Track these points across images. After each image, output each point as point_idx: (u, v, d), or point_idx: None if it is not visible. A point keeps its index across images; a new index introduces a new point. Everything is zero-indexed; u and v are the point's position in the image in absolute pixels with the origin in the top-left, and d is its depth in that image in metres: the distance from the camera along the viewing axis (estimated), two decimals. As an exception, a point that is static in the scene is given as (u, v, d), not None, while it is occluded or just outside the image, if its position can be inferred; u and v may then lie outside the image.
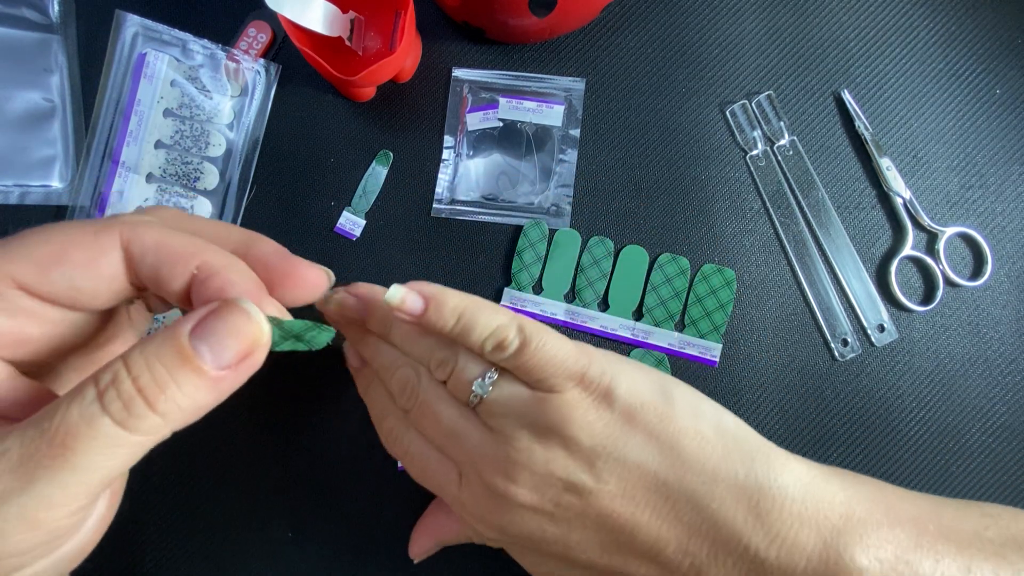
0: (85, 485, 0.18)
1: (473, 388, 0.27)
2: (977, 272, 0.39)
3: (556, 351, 0.26)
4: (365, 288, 0.30)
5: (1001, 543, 0.26)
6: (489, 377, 0.27)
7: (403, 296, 0.26)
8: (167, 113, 0.38)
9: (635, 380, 0.27)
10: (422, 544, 0.34)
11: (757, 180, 0.40)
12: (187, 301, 0.23)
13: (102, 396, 0.18)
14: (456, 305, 0.26)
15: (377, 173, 0.39)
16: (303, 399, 0.38)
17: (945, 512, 0.27)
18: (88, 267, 0.22)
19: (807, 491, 0.25)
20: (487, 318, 0.26)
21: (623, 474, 0.26)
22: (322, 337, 0.24)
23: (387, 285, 0.29)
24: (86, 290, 0.22)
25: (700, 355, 0.38)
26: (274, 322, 0.22)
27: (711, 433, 0.26)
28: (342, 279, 0.29)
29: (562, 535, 0.27)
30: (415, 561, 0.35)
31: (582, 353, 0.27)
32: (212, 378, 0.19)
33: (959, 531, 0.26)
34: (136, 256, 0.22)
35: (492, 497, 0.27)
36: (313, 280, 0.25)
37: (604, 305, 0.39)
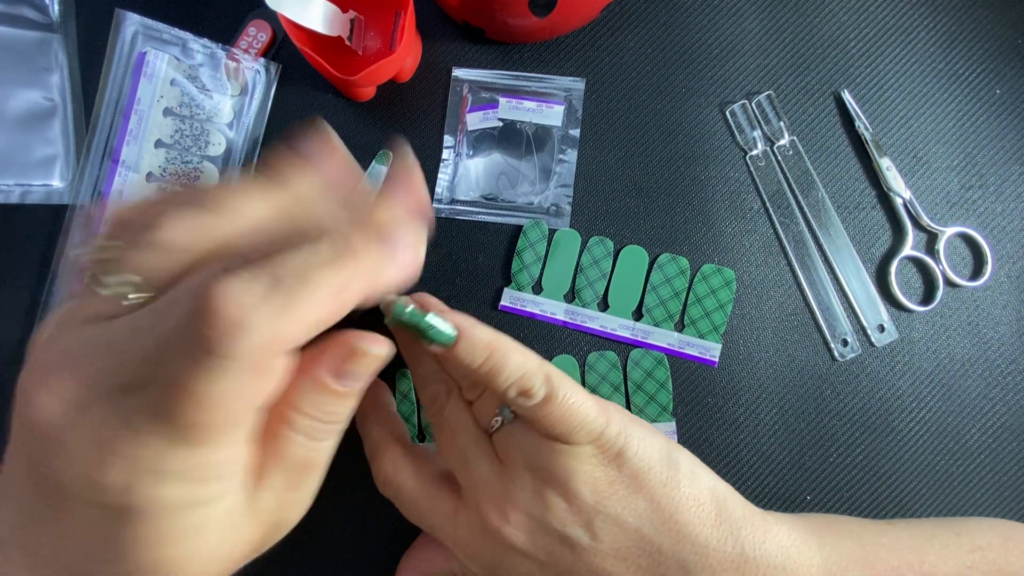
0: None
1: (496, 411, 0.28)
2: (977, 272, 0.39)
3: (579, 406, 0.26)
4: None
5: None
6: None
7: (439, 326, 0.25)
8: (167, 112, 0.38)
9: (645, 444, 0.28)
10: None
11: (757, 180, 0.40)
12: None
13: None
14: (488, 343, 0.25)
15: (377, 173, 0.39)
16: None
17: (929, 552, 0.28)
18: None
19: (788, 557, 0.27)
20: (516, 362, 0.25)
21: (619, 535, 0.26)
22: (441, 337, 0.25)
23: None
24: None
25: (700, 355, 0.38)
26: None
27: (707, 501, 0.27)
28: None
29: None
30: None
31: (602, 411, 0.27)
32: None
33: (941, 574, 0.27)
34: None
35: (485, 533, 0.27)
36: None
37: (604, 305, 0.39)
